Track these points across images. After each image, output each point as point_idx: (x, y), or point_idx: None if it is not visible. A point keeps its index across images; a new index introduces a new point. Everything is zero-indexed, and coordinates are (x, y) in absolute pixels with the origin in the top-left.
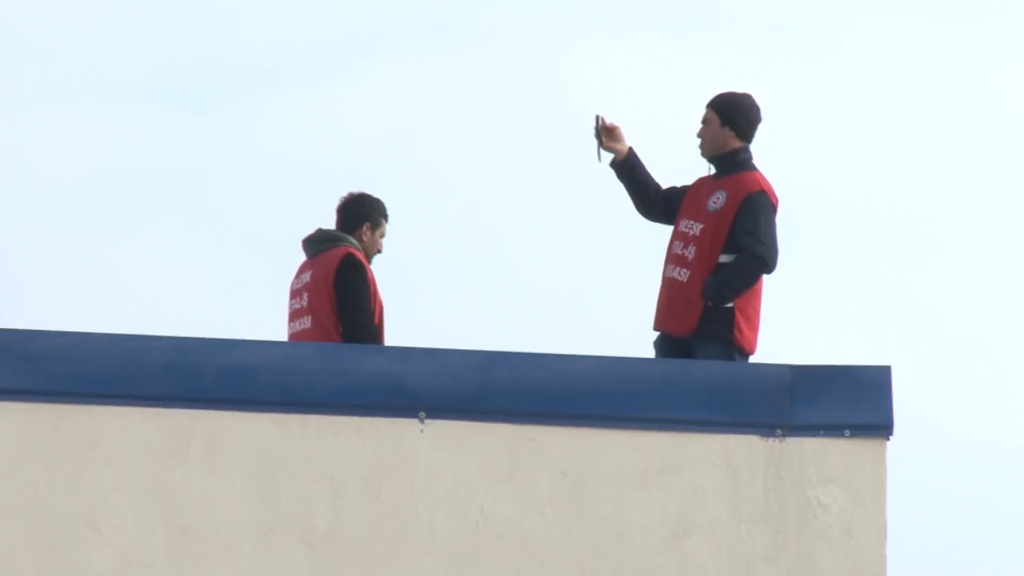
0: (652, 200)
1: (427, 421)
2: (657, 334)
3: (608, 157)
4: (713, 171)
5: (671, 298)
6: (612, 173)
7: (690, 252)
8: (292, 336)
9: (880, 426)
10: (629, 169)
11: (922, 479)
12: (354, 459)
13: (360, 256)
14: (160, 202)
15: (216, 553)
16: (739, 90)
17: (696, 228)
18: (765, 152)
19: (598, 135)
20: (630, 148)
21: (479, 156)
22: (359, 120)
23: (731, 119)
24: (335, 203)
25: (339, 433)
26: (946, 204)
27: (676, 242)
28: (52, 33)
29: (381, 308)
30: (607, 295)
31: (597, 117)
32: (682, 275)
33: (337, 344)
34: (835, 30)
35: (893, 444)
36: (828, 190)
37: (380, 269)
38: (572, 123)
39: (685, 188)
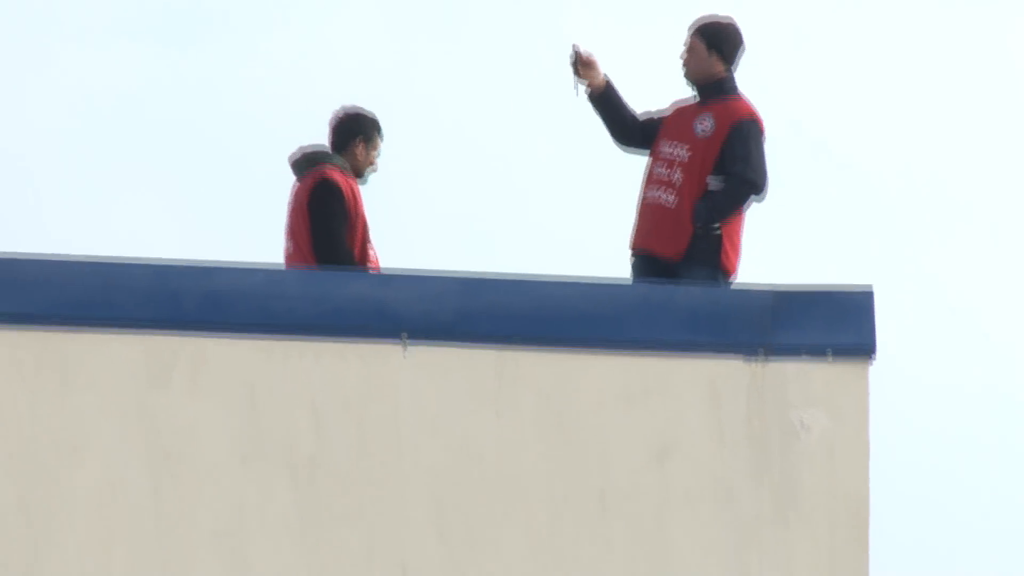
0: (629, 129)
1: (410, 346)
2: (635, 255)
3: (584, 88)
4: (696, 96)
5: (657, 220)
6: (588, 104)
7: (676, 176)
8: (284, 257)
9: (863, 348)
10: (605, 100)
11: (905, 401)
12: (337, 384)
13: (337, 177)
14: (147, 131)
15: (199, 478)
16: (722, 15)
17: (683, 152)
18: (754, 77)
19: (574, 66)
20: (606, 78)
21: (464, 90)
22: (343, 52)
23: (717, 45)
24: (328, 119)
25: (321, 358)
26: (931, 134)
27: (660, 165)
28: None
29: (364, 227)
30: (583, 216)
31: (573, 47)
32: (669, 198)
33: (319, 269)
34: None
35: (876, 366)
36: (814, 113)
37: (374, 189)
38: (556, 53)
39: (662, 115)
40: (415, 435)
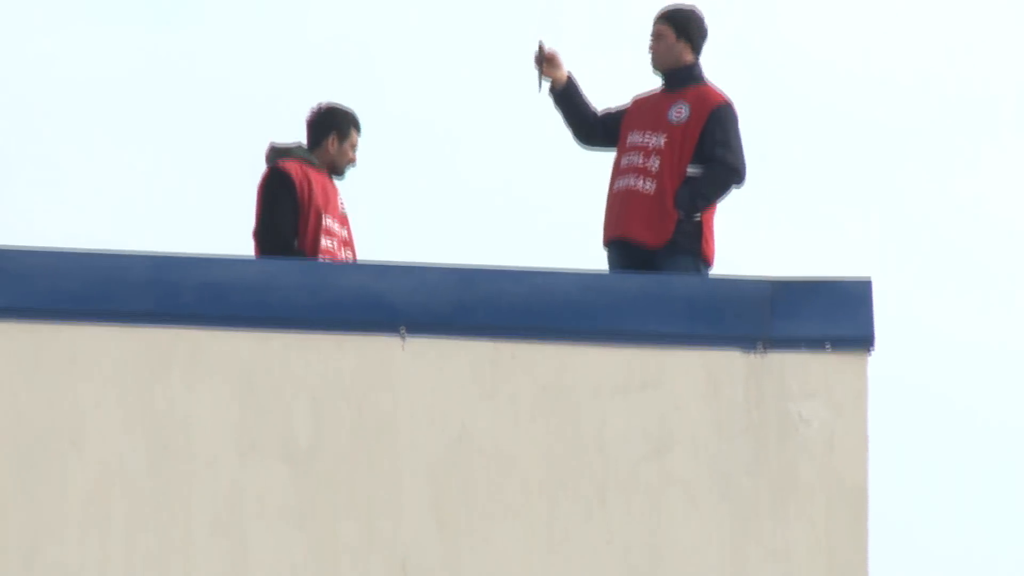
0: (591, 125)
1: (408, 337)
2: (611, 244)
3: (547, 85)
4: (664, 85)
5: (636, 207)
6: (551, 100)
7: (653, 163)
8: None
9: (861, 339)
10: (568, 96)
11: (904, 392)
12: (335, 376)
13: (291, 167)
14: (138, 117)
15: (198, 470)
16: (686, 3)
17: (659, 140)
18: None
19: (539, 63)
20: (568, 74)
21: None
22: (332, 30)
23: (686, 33)
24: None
25: (320, 350)
26: (928, 107)
27: (632, 154)
28: None
29: (318, 219)
30: (574, 208)
31: (539, 43)
32: (648, 185)
33: (316, 261)
34: None
35: (874, 357)
36: (810, 93)
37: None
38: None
39: (622, 108)
40: (413, 426)
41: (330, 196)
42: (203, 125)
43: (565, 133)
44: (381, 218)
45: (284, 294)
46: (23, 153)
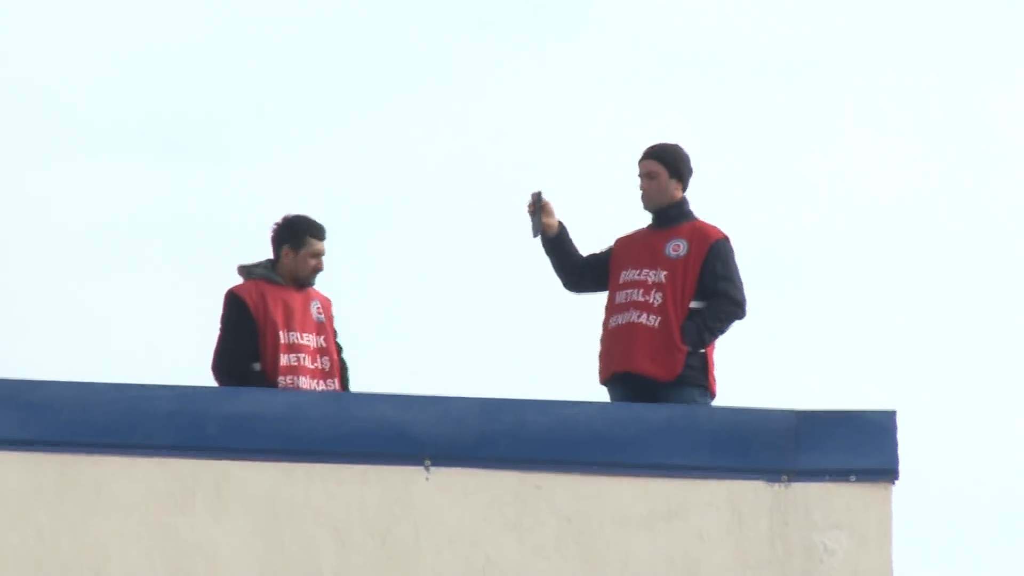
0: (580, 270)
1: (432, 468)
2: (613, 379)
3: (541, 232)
4: (653, 222)
5: (642, 342)
6: (541, 246)
7: (655, 298)
8: None
9: (885, 470)
10: (559, 243)
11: (929, 522)
12: (359, 507)
13: (242, 289)
14: (160, 250)
15: None
16: (670, 141)
17: (658, 275)
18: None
19: (536, 210)
20: (560, 222)
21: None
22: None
23: (677, 171)
24: None
25: (344, 481)
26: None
27: (630, 290)
28: (50, 89)
29: (273, 341)
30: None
31: (538, 194)
32: (651, 320)
33: (341, 392)
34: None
35: (898, 488)
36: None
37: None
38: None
39: (607, 250)
40: (437, 557)
41: (294, 309)
42: (226, 255)
43: (554, 279)
44: (406, 348)
45: (308, 425)
46: (46, 285)
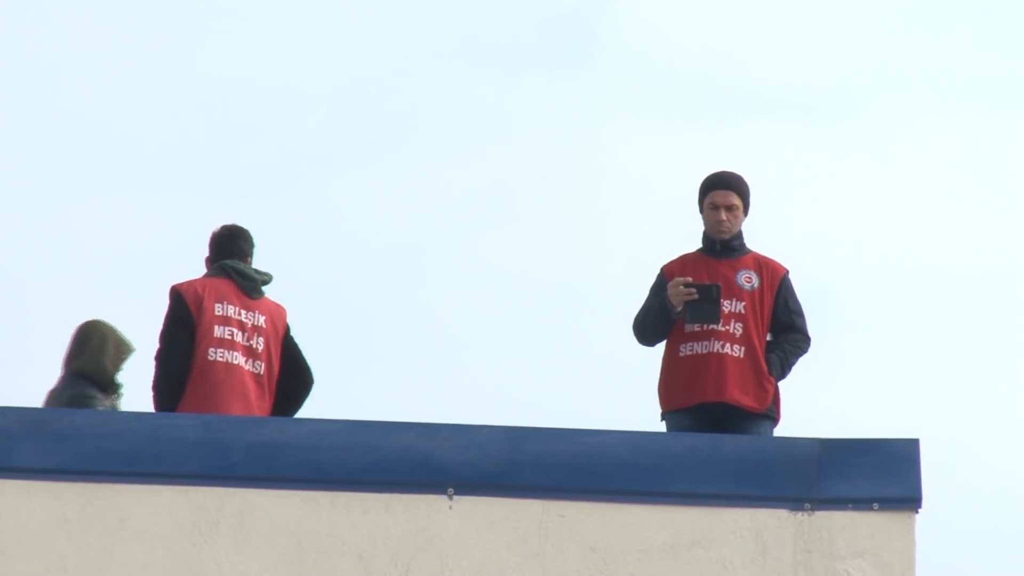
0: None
1: (456, 497)
2: (689, 408)
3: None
4: (718, 249)
5: (733, 373)
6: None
7: (736, 328)
8: None
9: (909, 499)
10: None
11: (952, 551)
12: (383, 535)
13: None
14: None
15: None
16: (732, 171)
17: (735, 306)
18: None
19: (718, 299)
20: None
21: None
22: (382, 209)
23: (748, 203)
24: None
25: (368, 510)
26: (965, 270)
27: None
28: (80, 126)
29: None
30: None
31: (719, 287)
32: (737, 351)
33: (365, 420)
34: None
35: (922, 516)
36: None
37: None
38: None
39: (660, 283)
40: None
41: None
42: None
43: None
44: (431, 376)
45: (332, 454)
46: (77, 311)
